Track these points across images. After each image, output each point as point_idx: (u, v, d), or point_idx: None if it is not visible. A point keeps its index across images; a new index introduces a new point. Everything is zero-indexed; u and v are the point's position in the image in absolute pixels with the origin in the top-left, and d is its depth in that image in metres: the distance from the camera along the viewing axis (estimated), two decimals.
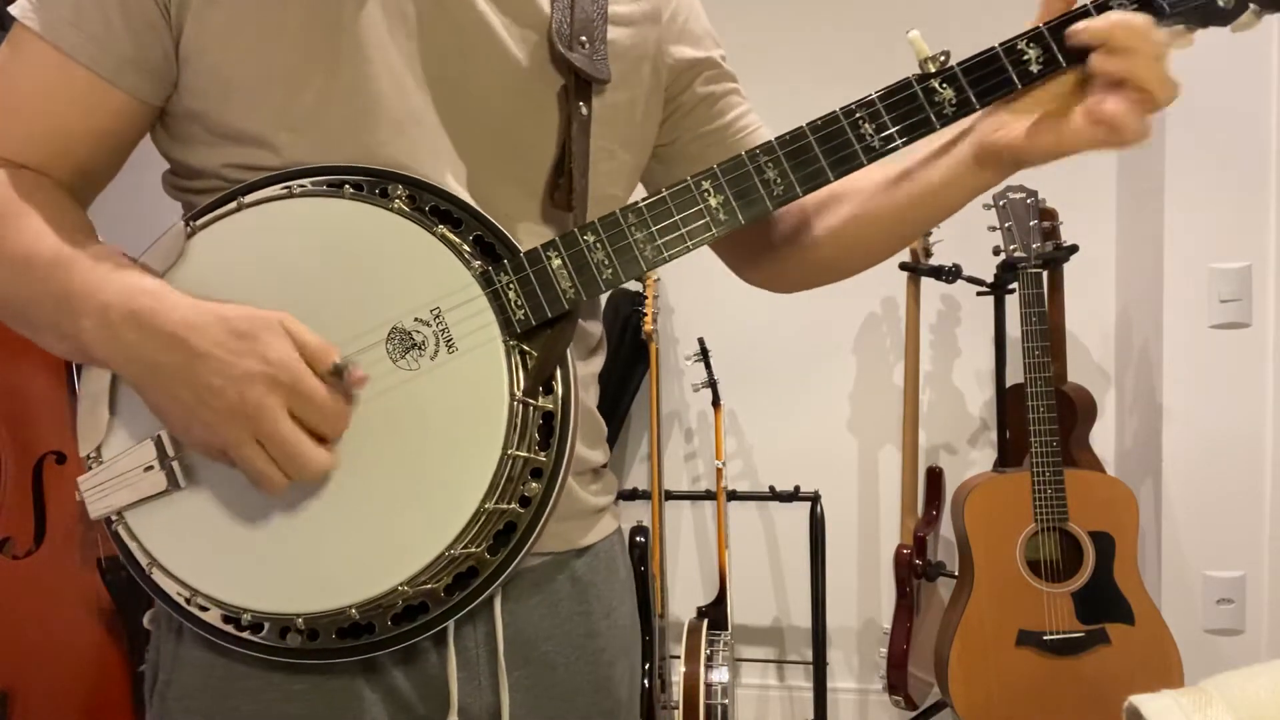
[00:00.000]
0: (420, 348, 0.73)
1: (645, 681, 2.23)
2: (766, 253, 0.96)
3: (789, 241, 0.94)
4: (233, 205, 0.75)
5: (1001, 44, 0.77)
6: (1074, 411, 2.24)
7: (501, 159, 0.82)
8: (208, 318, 0.69)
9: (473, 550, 0.73)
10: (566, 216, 0.84)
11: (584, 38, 0.83)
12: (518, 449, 0.72)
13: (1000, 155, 0.79)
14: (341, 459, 0.72)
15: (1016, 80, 0.76)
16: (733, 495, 2.48)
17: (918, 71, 0.77)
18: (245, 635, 0.75)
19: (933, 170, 0.83)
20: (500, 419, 0.71)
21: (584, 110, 0.83)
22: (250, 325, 0.69)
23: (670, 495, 2.50)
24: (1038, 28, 0.76)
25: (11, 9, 0.76)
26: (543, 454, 0.74)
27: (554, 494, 0.74)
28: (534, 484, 0.74)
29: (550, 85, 0.83)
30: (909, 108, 0.77)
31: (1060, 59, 0.76)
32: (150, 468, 0.74)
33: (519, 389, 0.73)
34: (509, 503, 0.73)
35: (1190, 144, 2.16)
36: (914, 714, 2.28)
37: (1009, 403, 2.29)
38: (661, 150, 0.94)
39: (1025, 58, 0.76)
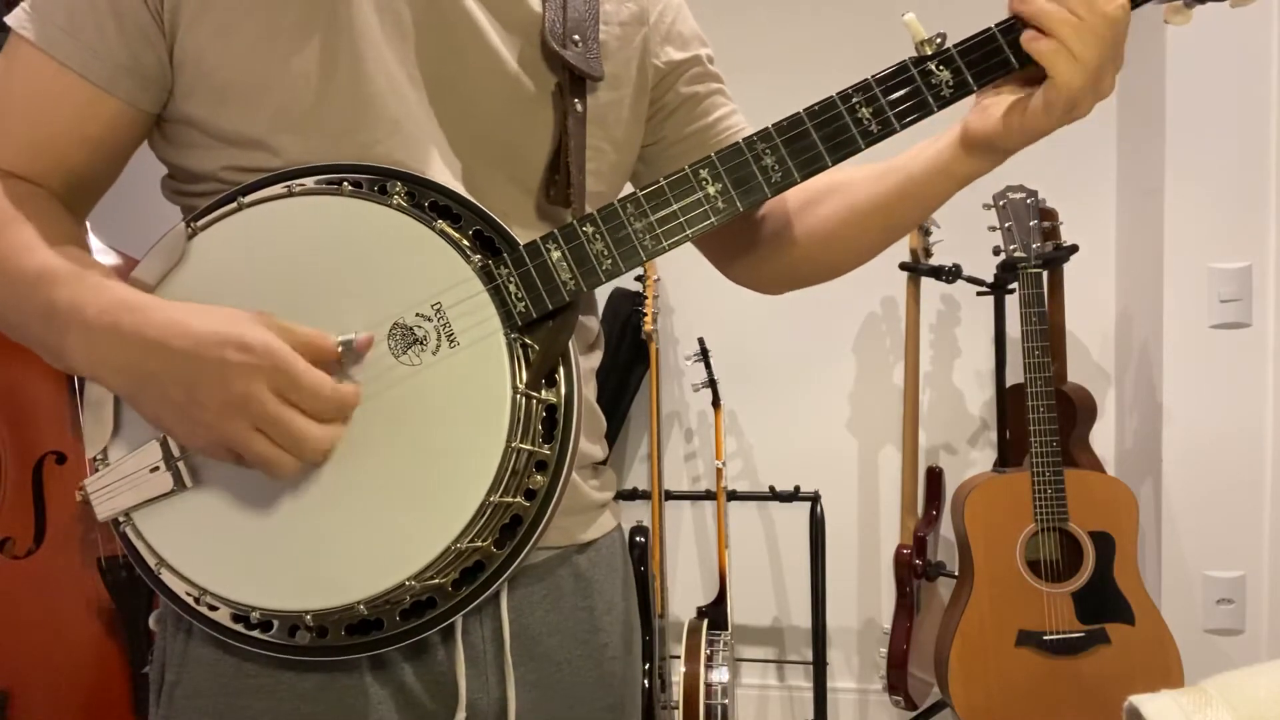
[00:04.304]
0: (422, 343, 0.73)
1: (645, 681, 2.23)
2: (752, 249, 0.96)
3: (776, 237, 0.94)
4: (233, 205, 0.75)
5: (998, 24, 0.77)
6: (1074, 411, 2.25)
7: (496, 156, 0.83)
8: (188, 320, 0.69)
9: (479, 544, 0.73)
10: (562, 213, 0.85)
11: (577, 36, 0.84)
12: (521, 442, 0.72)
13: (978, 140, 0.80)
14: (346, 455, 0.72)
15: (1014, 61, 0.77)
16: (733, 495, 2.48)
17: (914, 54, 0.77)
18: (254, 634, 0.75)
19: (920, 160, 0.84)
20: (503, 412, 0.71)
21: (579, 107, 0.84)
22: (229, 320, 0.69)
23: (670, 495, 2.50)
24: None
25: (7, 19, 0.76)
26: (546, 447, 0.74)
27: (559, 487, 0.74)
28: (539, 477, 0.74)
29: (544, 83, 0.84)
30: (906, 90, 0.77)
31: None
32: (156, 468, 0.74)
33: (521, 382, 0.73)
34: (514, 496, 0.73)
35: (1190, 144, 2.16)
36: (914, 714, 2.28)
37: (1009, 403, 2.29)
38: (645, 150, 0.95)
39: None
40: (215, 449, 0.70)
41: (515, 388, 0.72)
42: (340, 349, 0.71)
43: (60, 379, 1.92)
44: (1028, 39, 0.75)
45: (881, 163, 0.87)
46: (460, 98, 0.81)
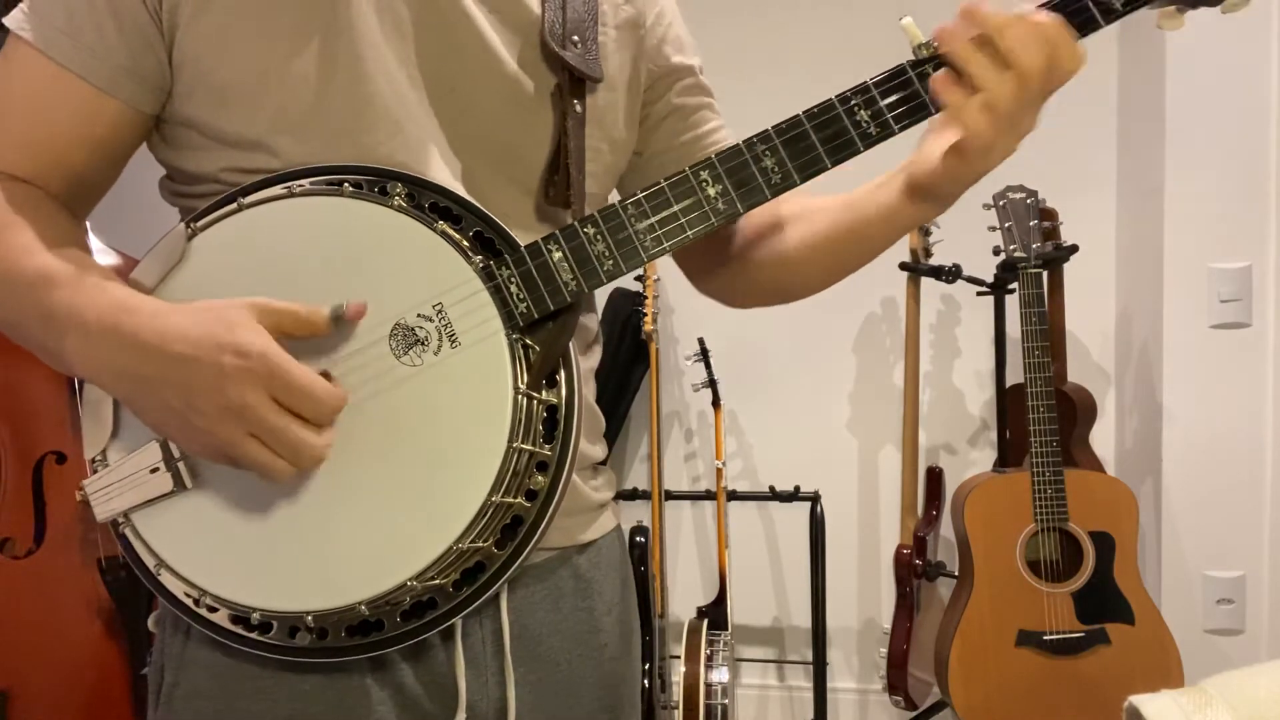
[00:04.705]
0: (424, 343, 0.73)
1: (645, 681, 2.23)
2: (726, 265, 0.97)
3: (740, 257, 0.95)
4: (233, 206, 0.75)
5: None
6: (1074, 411, 2.25)
7: (496, 157, 0.83)
8: (184, 323, 0.69)
9: (480, 545, 0.73)
10: (562, 213, 0.85)
11: (576, 37, 0.84)
12: (522, 442, 0.72)
13: (920, 188, 0.81)
14: (347, 456, 0.72)
15: None
16: (733, 495, 2.48)
17: (911, 58, 0.77)
18: (254, 635, 0.75)
19: (871, 203, 0.86)
20: (505, 412, 0.71)
21: (578, 108, 0.84)
22: (225, 323, 0.68)
23: (670, 495, 2.50)
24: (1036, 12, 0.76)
25: (6, 20, 0.76)
26: (547, 447, 0.74)
27: (560, 487, 0.74)
28: (540, 477, 0.74)
29: (544, 84, 0.84)
30: (904, 93, 0.77)
31: None
32: (156, 469, 0.74)
33: (523, 382, 0.73)
34: (515, 496, 0.73)
35: (1190, 144, 2.16)
36: (914, 714, 2.28)
37: (1009, 403, 2.29)
38: (632, 159, 0.95)
39: None
40: (213, 454, 0.70)
41: (516, 388, 0.72)
42: (332, 319, 0.71)
43: (60, 379, 1.92)
44: (939, 86, 0.75)
45: (848, 194, 0.88)
46: (460, 98, 0.81)
